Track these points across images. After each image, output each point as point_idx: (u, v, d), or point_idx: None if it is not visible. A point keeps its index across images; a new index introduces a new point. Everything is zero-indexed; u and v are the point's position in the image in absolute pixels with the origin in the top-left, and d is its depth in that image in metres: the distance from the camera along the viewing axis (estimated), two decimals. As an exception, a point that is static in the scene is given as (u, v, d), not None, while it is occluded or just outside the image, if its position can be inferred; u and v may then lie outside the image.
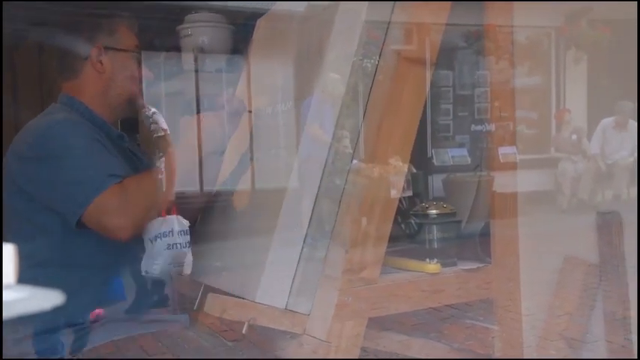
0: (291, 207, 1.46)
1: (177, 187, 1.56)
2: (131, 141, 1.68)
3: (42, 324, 1.44)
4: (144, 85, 1.62)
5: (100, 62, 1.56)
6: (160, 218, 1.50)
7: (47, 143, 1.48)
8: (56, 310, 1.34)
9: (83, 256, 1.51)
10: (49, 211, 1.47)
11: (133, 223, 1.42)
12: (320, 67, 1.49)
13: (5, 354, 1.34)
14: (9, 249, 0.57)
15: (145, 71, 1.60)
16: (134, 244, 1.51)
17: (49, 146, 1.48)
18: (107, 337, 1.55)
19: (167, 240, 1.49)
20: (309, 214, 1.42)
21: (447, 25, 1.48)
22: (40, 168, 1.47)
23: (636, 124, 6.42)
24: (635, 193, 6.09)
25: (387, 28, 1.45)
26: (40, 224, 1.49)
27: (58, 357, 1.49)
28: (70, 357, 1.50)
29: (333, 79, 1.45)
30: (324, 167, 1.42)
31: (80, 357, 1.50)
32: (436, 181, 1.89)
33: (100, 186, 1.40)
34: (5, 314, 0.50)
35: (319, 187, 1.42)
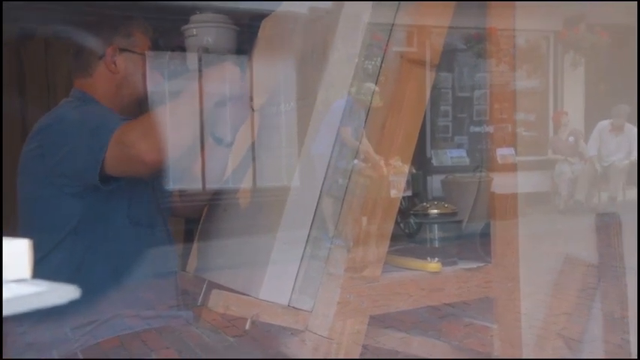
0: (295, 206, 1.47)
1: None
2: None
3: (49, 318, 1.47)
4: (150, 86, 1.65)
5: (114, 62, 1.60)
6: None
7: (56, 120, 1.54)
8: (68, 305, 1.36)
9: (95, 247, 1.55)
10: (68, 196, 1.50)
11: (156, 144, 1.39)
12: (323, 69, 1.51)
13: (6, 354, 1.36)
14: (23, 243, 0.59)
15: (154, 74, 1.62)
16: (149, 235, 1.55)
17: (59, 119, 1.54)
18: (111, 332, 1.56)
19: None
20: (313, 213, 1.44)
21: (449, 28, 1.50)
22: (54, 139, 1.51)
23: (633, 127, 6.45)
24: (631, 195, 6.12)
25: (391, 30, 1.47)
26: (57, 212, 1.53)
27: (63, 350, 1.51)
28: (74, 351, 1.52)
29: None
30: (328, 166, 1.44)
31: (84, 354, 1.51)
32: (435, 182, 1.91)
33: (114, 126, 1.43)
34: (20, 309, 0.51)
35: (322, 186, 1.44)
